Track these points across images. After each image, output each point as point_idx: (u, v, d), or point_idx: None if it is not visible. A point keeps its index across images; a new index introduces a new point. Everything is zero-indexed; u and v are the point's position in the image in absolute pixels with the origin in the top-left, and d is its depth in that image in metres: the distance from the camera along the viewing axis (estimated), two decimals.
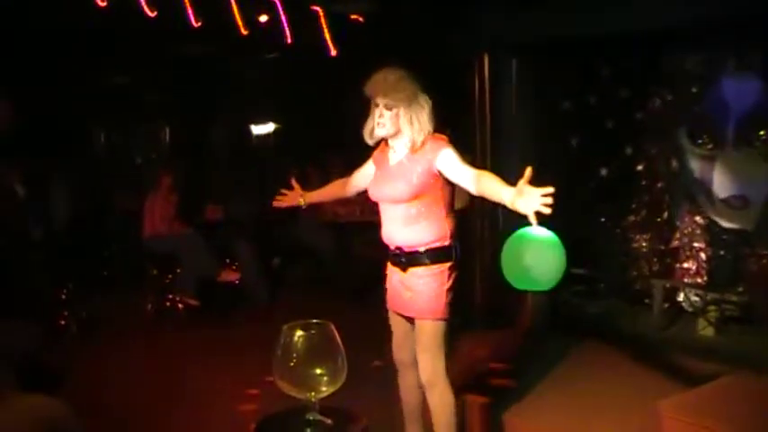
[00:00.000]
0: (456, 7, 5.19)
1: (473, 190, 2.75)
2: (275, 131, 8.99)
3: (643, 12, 4.50)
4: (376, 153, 3.09)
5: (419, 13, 5.47)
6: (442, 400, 2.94)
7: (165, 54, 6.79)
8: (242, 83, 7.92)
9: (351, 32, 6.09)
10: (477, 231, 5.28)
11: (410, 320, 3.00)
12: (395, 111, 2.82)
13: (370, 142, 3.00)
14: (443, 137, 2.87)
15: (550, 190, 2.40)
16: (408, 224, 2.85)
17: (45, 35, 5.56)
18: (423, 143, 2.84)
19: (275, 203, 3.46)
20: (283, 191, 3.43)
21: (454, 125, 3.70)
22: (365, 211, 6.07)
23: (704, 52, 5.31)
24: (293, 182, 3.47)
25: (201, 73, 7.33)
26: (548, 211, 2.40)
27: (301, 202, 3.42)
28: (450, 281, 2.89)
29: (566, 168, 5.74)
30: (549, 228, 4.58)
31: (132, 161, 8.29)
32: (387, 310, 3.11)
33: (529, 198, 2.44)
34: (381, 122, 2.86)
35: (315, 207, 7.09)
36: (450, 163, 2.80)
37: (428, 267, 2.86)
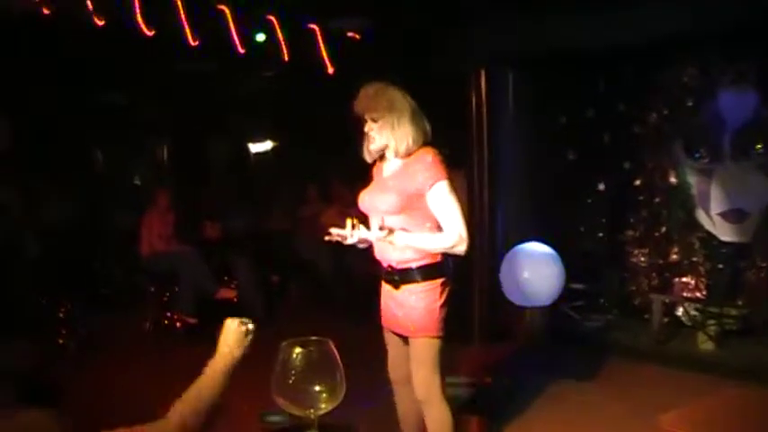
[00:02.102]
0: (452, 23, 5.23)
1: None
2: (273, 149, 9.02)
3: (640, 25, 4.54)
4: (374, 168, 3.09)
5: (415, 30, 5.50)
6: (440, 417, 2.92)
7: (162, 73, 6.81)
8: (240, 101, 7.95)
9: (347, 50, 6.13)
10: (475, 247, 5.29)
11: (405, 338, 2.98)
12: (380, 122, 2.85)
13: (369, 159, 3.01)
14: (439, 158, 2.83)
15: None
16: None
17: (44, 54, 5.58)
18: (412, 153, 2.83)
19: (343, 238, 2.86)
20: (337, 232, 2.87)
21: (451, 141, 3.71)
22: (366, 225, 6.07)
23: (700, 65, 5.35)
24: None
25: (200, 91, 7.35)
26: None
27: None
28: (443, 297, 2.87)
29: (563, 183, 5.77)
30: (547, 243, 4.62)
31: (130, 179, 8.31)
32: (383, 328, 3.10)
33: None
34: (371, 136, 2.90)
35: (312, 224, 7.16)
36: (439, 203, 2.80)
37: (420, 284, 2.84)
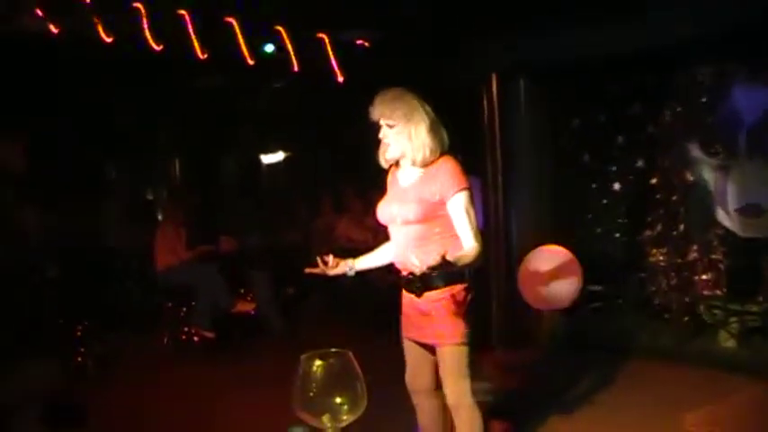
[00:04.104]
0: (463, 31, 5.24)
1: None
2: (285, 160, 9.06)
3: (652, 27, 4.54)
4: (389, 178, 3.10)
5: (426, 38, 5.52)
6: (470, 421, 2.92)
7: (173, 87, 6.86)
8: (251, 113, 7.99)
9: (358, 58, 6.15)
10: (491, 251, 5.29)
11: (425, 347, 2.99)
12: (396, 129, 2.85)
13: (385, 164, 3.01)
14: (459, 167, 2.85)
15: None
16: (420, 246, 2.83)
17: (53, 71, 5.64)
18: (431, 162, 2.85)
19: (323, 270, 2.99)
20: (326, 258, 2.98)
21: (465, 149, 3.72)
22: (380, 236, 6.08)
23: (714, 63, 5.32)
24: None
25: (210, 104, 7.40)
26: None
27: (350, 270, 3.06)
28: (467, 302, 2.87)
29: (579, 185, 5.76)
30: (564, 246, 4.61)
31: (143, 195, 8.37)
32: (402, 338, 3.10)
33: None
34: (387, 142, 2.90)
35: (327, 233, 7.17)
36: (457, 212, 2.82)
37: (443, 290, 2.84)
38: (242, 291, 6.33)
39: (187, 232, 6.16)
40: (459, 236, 2.83)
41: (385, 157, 2.95)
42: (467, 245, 2.80)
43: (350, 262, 3.06)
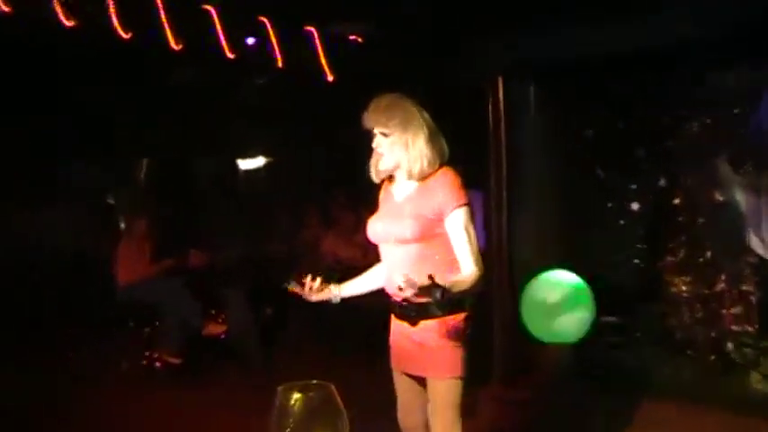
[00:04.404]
0: (467, 28, 5.27)
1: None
2: (267, 166, 9.06)
3: (677, 25, 4.53)
4: (381, 192, 3.12)
5: (425, 34, 5.55)
6: None
7: (140, 80, 6.87)
8: (229, 112, 8.00)
9: (350, 56, 6.18)
10: (493, 275, 5.30)
11: (418, 381, 3.01)
12: (391, 138, 2.88)
13: (376, 178, 3.04)
14: (459, 181, 2.88)
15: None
16: (417, 270, 2.78)
17: (8, 59, 5.64)
18: (429, 175, 2.88)
19: (305, 293, 3.03)
20: (307, 281, 3.01)
21: (466, 159, 3.74)
22: (370, 255, 6.09)
23: (748, 68, 5.34)
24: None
25: (183, 101, 7.41)
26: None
27: (335, 298, 3.11)
28: (466, 332, 2.89)
29: (592, 204, 5.78)
30: (574, 271, 4.63)
31: (104, 198, 8.35)
32: (392, 370, 3.11)
33: None
34: (381, 152, 2.92)
35: (312, 250, 7.18)
36: (455, 230, 2.85)
37: (441, 319, 2.85)
38: (213, 311, 6.32)
39: (152, 244, 6.14)
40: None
41: (377, 168, 2.98)
42: (465, 269, 2.82)
43: (335, 288, 3.08)
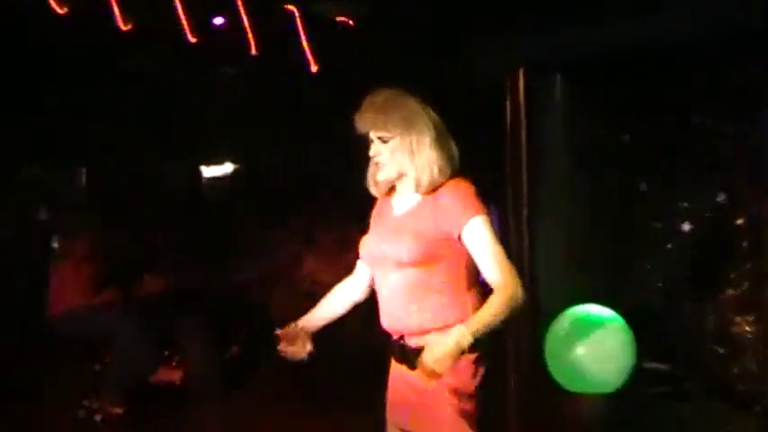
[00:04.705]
0: (480, 14, 5.28)
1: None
2: (235, 174, 9.07)
3: (733, 6, 4.57)
4: (375, 208, 3.12)
5: (430, 18, 5.57)
6: None
7: (81, 68, 6.86)
8: (190, 108, 8.00)
9: (338, 41, 6.20)
10: None
11: None
12: (392, 143, 2.86)
13: (376, 193, 3.05)
14: (474, 190, 2.88)
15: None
16: (417, 299, 2.82)
17: None
18: (438, 187, 2.87)
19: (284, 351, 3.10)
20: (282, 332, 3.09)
21: (479, 165, 3.77)
22: None
23: None
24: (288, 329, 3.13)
25: (133, 94, 7.40)
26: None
27: (307, 349, 3.11)
28: (478, 378, 2.86)
29: (631, 223, 5.77)
30: (610, 306, 4.64)
31: (33, 212, 8.33)
32: (385, 422, 3.09)
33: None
34: (379, 161, 2.91)
35: (287, 275, 7.17)
36: (476, 241, 2.81)
37: None
38: (167, 352, 6.30)
39: (93, 267, 6.10)
40: (472, 281, 2.86)
41: (377, 179, 2.98)
42: (498, 288, 2.75)
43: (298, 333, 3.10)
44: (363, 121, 2.90)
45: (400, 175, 2.91)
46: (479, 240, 2.80)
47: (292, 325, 3.10)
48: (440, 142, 2.87)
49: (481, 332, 2.64)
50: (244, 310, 6.98)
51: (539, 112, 5.41)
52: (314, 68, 6.16)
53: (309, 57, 6.13)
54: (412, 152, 2.84)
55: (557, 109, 5.49)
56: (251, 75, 7.16)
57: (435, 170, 2.84)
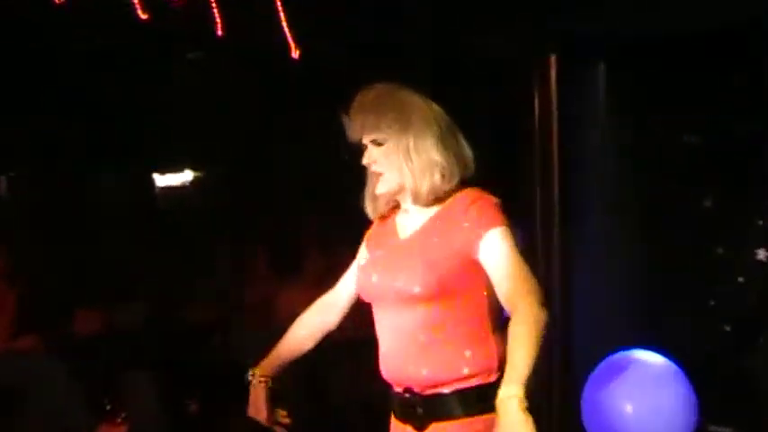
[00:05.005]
0: None
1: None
2: (196, 184, 9.08)
3: None
4: (372, 229, 3.12)
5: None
6: None
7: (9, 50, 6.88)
8: (140, 103, 8.02)
9: (324, 23, 6.18)
10: None
11: None
12: (387, 145, 2.85)
13: (372, 213, 3.04)
14: (493, 201, 2.84)
15: None
16: (427, 344, 2.80)
17: None
18: (444, 197, 2.85)
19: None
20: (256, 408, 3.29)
21: (500, 168, 3.73)
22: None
23: None
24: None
25: (69, 86, 7.43)
26: None
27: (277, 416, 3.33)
28: None
29: (694, 249, 5.77)
30: (665, 354, 4.61)
31: None
32: None
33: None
34: (376, 170, 2.88)
35: (261, 312, 7.16)
36: (495, 255, 2.75)
37: (463, 422, 2.79)
38: (108, 406, 6.30)
39: (12, 302, 6.13)
40: (496, 323, 2.81)
41: (373, 195, 2.96)
42: (510, 303, 2.69)
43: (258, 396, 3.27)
44: (353, 123, 2.87)
45: (401, 188, 2.88)
46: (496, 254, 2.74)
47: (248, 374, 3.22)
48: (446, 144, 2.84)
49: (527, 377, 2.50)
50: (204, 355, 6.96)
51: (576, 104, 5.40)
52: (295, 54, 6.15)
53: (290, 40, 6.13)
54: (409, 156, 2.81)
55: (598, 102, 5.48)
56: (217, 62, 7.15)
57: (437, 177, 2.81)
